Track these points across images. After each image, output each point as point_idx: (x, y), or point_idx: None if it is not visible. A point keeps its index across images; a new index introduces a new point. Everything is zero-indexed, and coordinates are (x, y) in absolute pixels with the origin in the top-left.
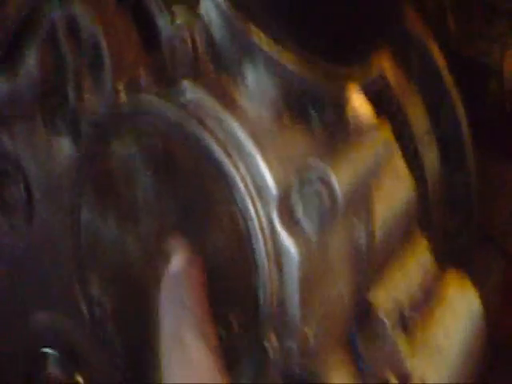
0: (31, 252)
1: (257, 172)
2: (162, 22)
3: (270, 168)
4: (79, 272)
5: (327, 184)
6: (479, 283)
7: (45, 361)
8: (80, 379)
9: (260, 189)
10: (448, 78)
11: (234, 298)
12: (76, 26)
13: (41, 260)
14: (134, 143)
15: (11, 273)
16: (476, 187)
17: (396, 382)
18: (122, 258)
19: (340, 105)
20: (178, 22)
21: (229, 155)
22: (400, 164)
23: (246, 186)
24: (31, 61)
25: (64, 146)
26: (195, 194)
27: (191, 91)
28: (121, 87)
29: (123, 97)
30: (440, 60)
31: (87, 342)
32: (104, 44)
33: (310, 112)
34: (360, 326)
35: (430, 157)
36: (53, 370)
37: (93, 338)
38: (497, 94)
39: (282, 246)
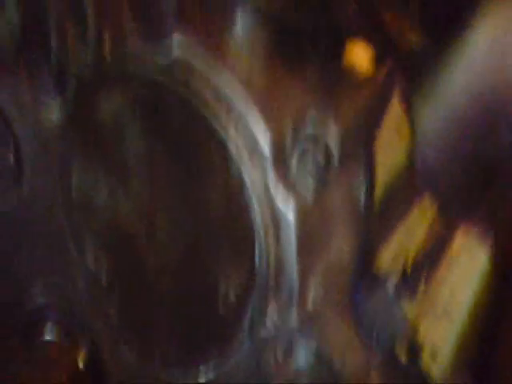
0: (22, 219)
1: (248, 132)
2: None
3: (263, 128)
4: (73, 238)
5: (322, 138)
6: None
7: (46, 331)
8: (80, 354)
9: (252, 150)
10: None
11: (230, 268)
12: None
13: (33, 227)
14: (121, 99)
15: (4, 244)
16: None
17: (405, 356)
18: (116, 223)
19: (337, 52)
20: None
21: (217, 117)
22: (400, 114)
23: (237, 148)
24: (11, 8)
25: (51, 105)
26: (188, 153)
27: (177, 46)
28: (106, 38)
29: (108, 51)
30: None
31: (86, 316)
32: None
33: (306, 60)
34: (364, 290)
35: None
36: (54, 339)
37: (91, 310)
38: None
39: (277, 208)
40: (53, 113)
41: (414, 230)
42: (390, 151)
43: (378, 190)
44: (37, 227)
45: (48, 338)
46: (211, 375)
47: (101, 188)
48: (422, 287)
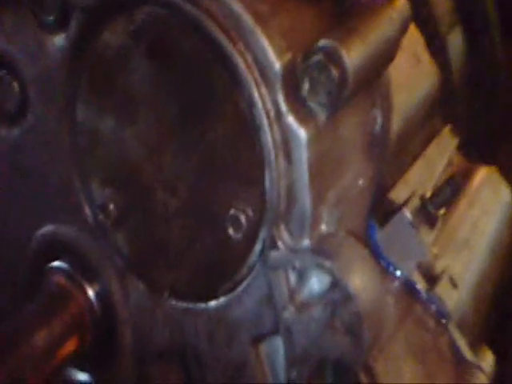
0: (29, 157)
1: (258, 48)
2: None
3: (272, 43)
4: (79, 175)
5: (336, 60)
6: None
7: (53, 274)
8: (89, 290)
9: (262, 67)
10: None
11: (240, 192)
12: None
13: (39, 165)
14: (127, 30)
15: (10, 184)
16: (502, 67)
17: (424, 283)
18: (122, 156)
19: None
20: None
21: (226, 32)
22: (420, 47)
23: (246, 64)
24: None
25: (55, 40)
26: (195, 80)
27: None
28: None
29: None
30: None
31: (95, 251)
32: None
33: None
34: (381, 222)
35: (454, 39)
36: (61, 282)
37: (100, 245)
38: None
39: (288, 129)
40: (57, 49)
41: (433, 162)
42: (409, 84)
43: (397, 120)
44: (42, 157)
45: (55, 265)
46: (222, 301)
47: (106, 119)
48: (441, 216)
